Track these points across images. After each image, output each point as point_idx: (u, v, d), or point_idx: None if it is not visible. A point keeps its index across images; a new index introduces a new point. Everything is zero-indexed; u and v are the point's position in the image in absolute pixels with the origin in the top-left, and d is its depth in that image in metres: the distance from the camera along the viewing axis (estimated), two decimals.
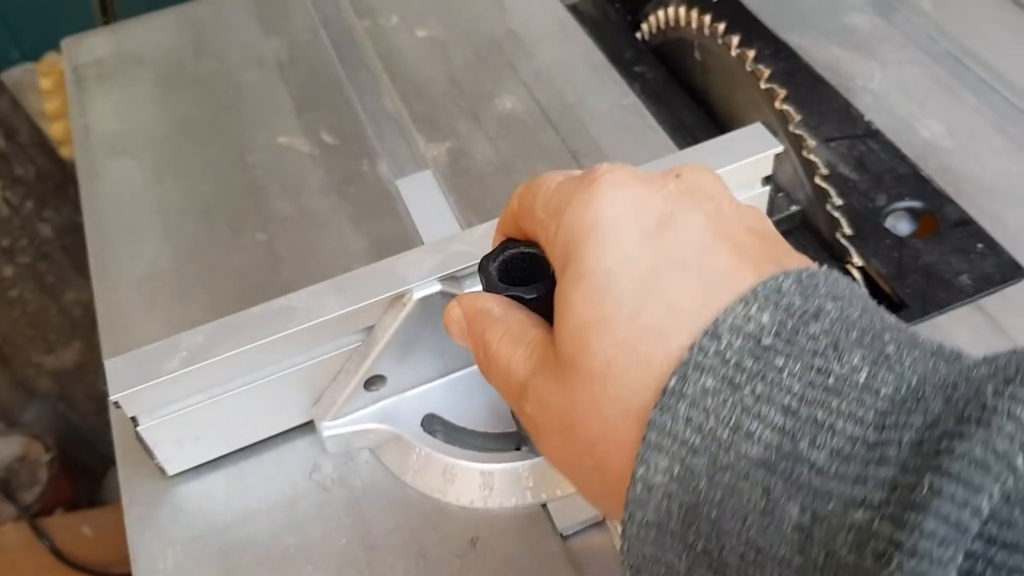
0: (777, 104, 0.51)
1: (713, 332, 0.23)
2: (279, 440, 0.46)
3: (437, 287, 0.41)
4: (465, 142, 0.59)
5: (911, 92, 0.58)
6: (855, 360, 0.22)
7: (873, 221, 0.51)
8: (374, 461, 0.45)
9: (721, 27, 0.55)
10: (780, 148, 0.45)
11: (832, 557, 0.20)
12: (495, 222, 0.34)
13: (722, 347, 0.23)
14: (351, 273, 0.42)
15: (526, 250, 0.32)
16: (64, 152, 1.42)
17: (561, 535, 0.42)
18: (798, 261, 0.26)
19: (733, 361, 0.23)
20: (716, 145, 0.46)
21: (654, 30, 0.63)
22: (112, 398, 0.39)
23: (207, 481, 0.45)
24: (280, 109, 0.62)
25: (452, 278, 0.41)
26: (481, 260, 0.33)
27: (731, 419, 0.22)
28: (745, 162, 0.45)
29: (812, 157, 0.50)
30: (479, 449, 0.44)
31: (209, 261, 0.54)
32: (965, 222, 0.51)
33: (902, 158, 0.54)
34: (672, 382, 0.23)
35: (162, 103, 0.64)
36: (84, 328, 1.35)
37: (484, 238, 0.42)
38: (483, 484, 0.44)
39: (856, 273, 0.50)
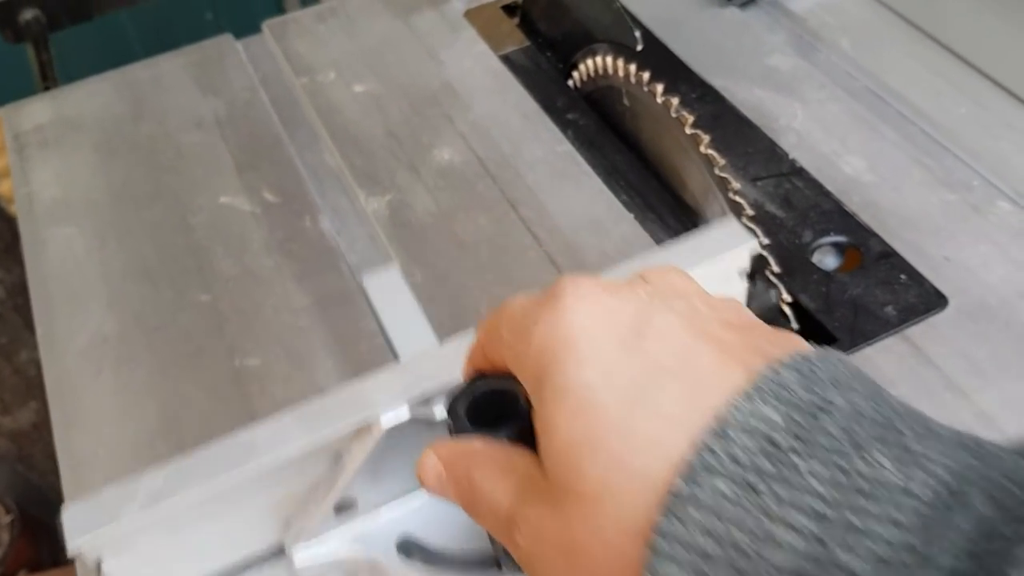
0: (702, 148, 0.53)
1: (720, 432, 0.22)
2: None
3: (407, 416, 0.40)
4: (405, 194, 0.60)
5: (833, 129, 0.61)
6: (880, 458, 0.21)
7: (800, 257, 0.53)
8: None
9: (646, 75, 0.57)
10: (754, 242, 0.45)
11: None
12: (468, 337, 0.33)
13: (732, 448, 0.22)
14: (315, 401, 0.41)
15: (497, 387, 0.30)
16: (13, 211, 1.41)
17: None
18: (783, 346, 0.25)
19: (747, 463, 0.21)
20: (690, 244, 0.46)
21: (585, 78, 0.65)
22: (70, 549, 0.37)
23: None
24: (221, 169, 0.63)
25: (423, 402, 0.40)
26: (450, 403, 0.31)
27: (753, 525, 0.21)
28: (720, 257, 0.45)
29: (737, 198, 0.52)
30: (458, 572, 0.43)
31: (154, 324, 0.54)
32: (888, 254, 0.53)
33: (826, 194, 0.56)
34: (679, 485, 0.22)
35: (103, 168, 0.64)
36: (40, 388, 1.34)
37: (458, 354, 0.37)
38: None
39: (787, 309, 0.51)
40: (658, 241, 0.54)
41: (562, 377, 0.25)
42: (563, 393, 0.25)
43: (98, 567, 0.40)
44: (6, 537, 1.32)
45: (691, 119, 0.53)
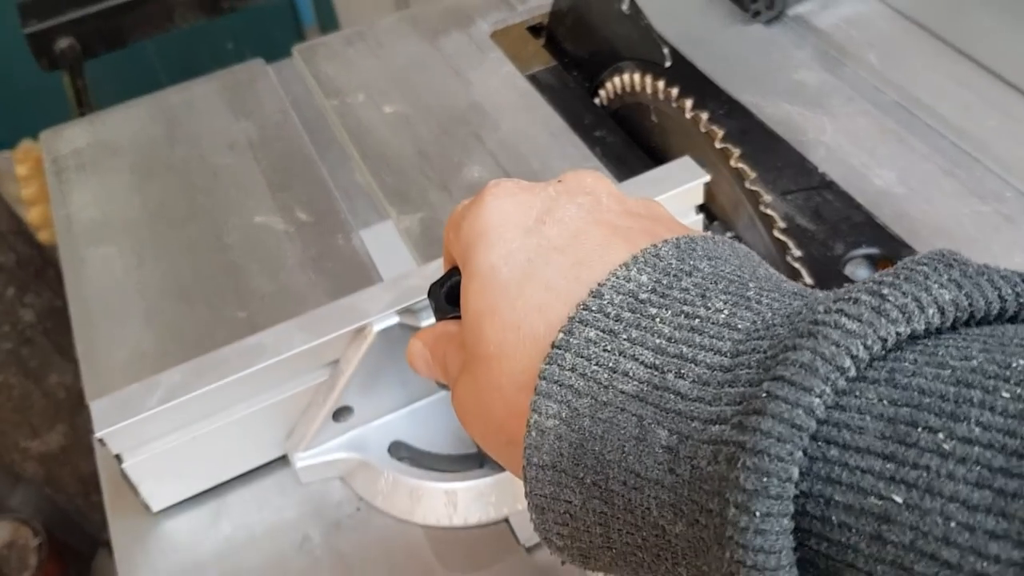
0: (732, 162, 0.53)
1: (597, 292, 0.26)
2: (259, 473, 0.49)
3: (395, 319, 0.44)
4: (436, 212, 0.61)
5: (861, 142, 0.61)
6: (719, 304, 0.25)
7: (833, 269, 0.53)
8: (358, 524, 0.47)
9: (675, 91, 0.57)
10: (707, 177, 0.49)
11: (696, 470, 0.22)
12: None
13: (604, 303, 0.26)
14: (314, 311, 0.45)
15: None
16: (42, 237, 1.43)
17: (524, 547, 0.45)
18: (674, 231, 0.29)
19: (613, 314, 0.25)
20: (646, 179, 0.50)
21: (611, 96, 0.65)
22: (97, 435, 0.42)
23: (192, 516, 0.48)
24: (254, 190, 0.64)
25: (409, 311, 0.45)
26: (430, 287, 0.35)
27: (610, 362, 0.25)
28: (674, 192, 0.49)
29: (768, 211, 0.52)
30: (443, 470, 0.48)
31: (191, 341, 0.55)
32: None
33: (857, 207, 0.56)
34: (559, 337, 0.26)
35: (139, 190, 0.65)
36: (68, 411, 1.35)
37: (437, 271, 0.44)
38: (447, 503, 0.47)
39: None
40: None
41: (475, 260, 0.29)
42: (474, 274, 0.29)
43: (119, 461, 0.44)
44: (34, 560, 1.33)
45: (720, 133, 0.54)
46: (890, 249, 0.54)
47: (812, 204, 0.57)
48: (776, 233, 0.52)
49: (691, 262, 0.26)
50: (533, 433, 0.26)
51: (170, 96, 0.73)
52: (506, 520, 0.46)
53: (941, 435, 0.19)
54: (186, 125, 0.70)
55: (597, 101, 0.67)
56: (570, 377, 0.25)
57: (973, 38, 0.66)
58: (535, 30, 0.75)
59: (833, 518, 0.20)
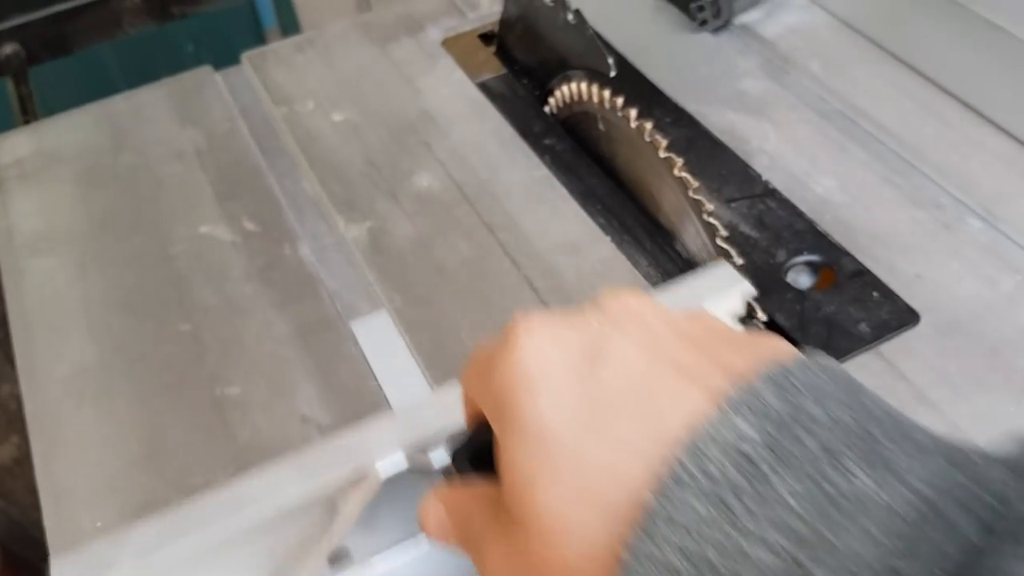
0: (676, 171, 0.53)
1: (692, 447, 0.22)
2: None
3: (404, 465, 0.40)
4: (384, 221, 0.61)
5: (804, 150, 0.62)
6: (859, 473, 0.21)
7: (775, 276, 0.54)
8: None
9: (620, 100, 0.58)
10: (748, 285, 0.46)
11: None
12: (459, 384, 0.33)
13: (705, 464, 0.21)
14: (310, 449, 0.41)
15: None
16: None
17: None
18: (755, 355, 0.24)
19: (720, 478, 0.21)
20: (682, 291, 0.47)
21: (561, 104, 0.66)
22: None
23: None
24: (201, 199, 0.64)
25: (419, 450, 0.40)
26: (453, 453, 0.32)
27: (727, 543, 0.20)
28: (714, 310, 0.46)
29: (711, 220, 0.52)
30: None
31: (135, 355, 0.54)
32: (861, 272, 0.54)
33: (799, 214, 0.57)
34: (651, 501, 0.21)
35: (83, 200, 0.65)
36: (21, 422, 1.33)
37: (453, 399, 0.38)
38: None
39: (762, 328, 0.52)
40: (635, 263, 0.55)
41: (517, 412, 0.25)
42: (518, 428, 0.25)
43: None
44: None
45: (664, 143, 0.54)
46: (830, 256, 0.55)
47: (755, 212, 0.57)
48: (719, 241, 0.52)
49: (794, 402, 0.22)
50: None
51: (116, 103, 0.72)
52: None
53: None
54: (132, 133, 0.69)
55: (547, 109, 0.68)
56: (669, 556, 0.21)
57: (913, 47, 0.67)
58: (486, 38, 0.75)
59: None
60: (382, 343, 0.54)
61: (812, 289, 0.54)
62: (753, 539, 0.20)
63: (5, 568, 1.35)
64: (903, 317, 0.52)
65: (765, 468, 0.21)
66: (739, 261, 0.52)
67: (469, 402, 0.31)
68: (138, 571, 0.38)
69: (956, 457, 0.22)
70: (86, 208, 0.64)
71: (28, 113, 0.78)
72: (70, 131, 0.70)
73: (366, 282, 0.57)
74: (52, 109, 0.79)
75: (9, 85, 0.81)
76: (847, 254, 0.55)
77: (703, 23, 0.71)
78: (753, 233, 0.56)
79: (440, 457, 0.41)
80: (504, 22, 0.71)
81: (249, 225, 0.61)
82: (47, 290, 0.58)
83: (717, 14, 0.70)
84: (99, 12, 0.86)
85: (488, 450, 0.29)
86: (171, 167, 0.66)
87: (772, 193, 0.58)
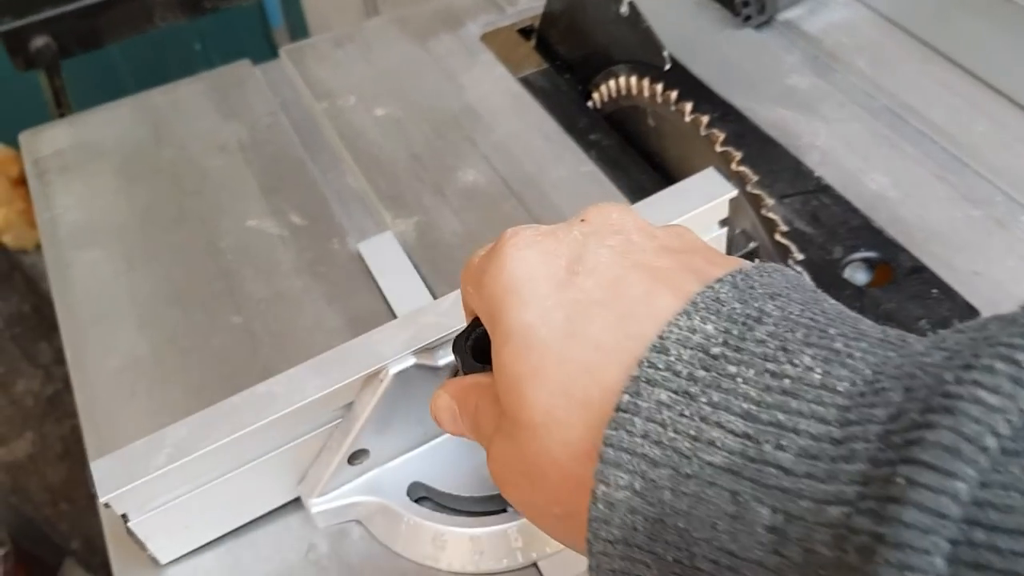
0: (734, 166, 0.53)
1: (660, 347, 0.24)
2: (271, 519, 0.47)
3: (412, 360, 0.42)
4: (431, 215, 0.60)
5: (855, 147, 0.61)
6: (806, 359, 0.23)
7: (832, 272, 0.54)
8: (368, 537, 0.46)
9: (674, 95, 0.57)
10: (734, 192, 0.47)
11: (812, 554, 0.20)
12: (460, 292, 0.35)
13: (671, 360, 0.24)
14: (326, 354, 0.43)
15: None
16: (6, 239, 1.40)
17: None
18: (723, 265, 0.27)
19: (685, 373, 0.23)
20: (671, 194, 0.49)
21: (605, 99, 0.65)
22: (102, 500, 0.39)
23: (201, 565, 0.45)
24: (246, 193, 0.63)
25: (425, 350, 0.43)
26: (454, 341, 0.33)
27: (691, 429, 0.23)
28: (701, 209, 0.47)
29: (771, 215, 0.52)
30: (467, 514, 0.45)
31: (186, 347, 0.54)
32: (919, 269, 0.53)
33: (854, 210, 0.57)
34: (624, 399, 0.24)
35: (125, 192, 0.64)
36: (36, 419, 1.33)
37: (453, 307, 0.43)
38: (473, 549, 0.44)
39: None
40: None
41: (506, 320, 0.27)
42: (508, 334, 0.27)
43: (125, 520, 0.41)
44: (0, 570, 1.30)
45: (721, 136, 0.54)
46: (887, 253, 0.54)
47: (809, 208, 0.57)
48: (778, 237, 0.52)
49: (756, 304, 0.24)
50: (600, 505, 0.24)
51: (154, 97, 0.72)
52: (534, 565, 0.44)
53: None
54: (172, 127, 0.69)
55: (590, 104, 0.67)
56: (642, 445, 0.23)
57: (959, 44, 0.66)
58: (525, 32, 0.75)
59: None
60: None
61: (870, 286, 0.53)
62: (713, 424, 0.23)
63: (17, 565, 1.35)
64: (963, 314, 0.51)
65: (723, 361, 0.23)
66: (799, 256, 0.52)
67: (467, 308, 0.34)
68: (173, 472, 0.40)
69: (897, 343, 0.23)
70: (129, 201, 0.63)
71: (63, 106, 0.77)
72: (109, 124, 0.70)
73: (413, 272, 0.57)
74: (81, 105, 0.78)
75: (42, 78, 0.81)
76: (904, 250, 0.54)
77: (747, 19, 0.71)
78: (808, 229, 0.56)
79: (443, 355, 0.43)
80: (547, 15, 0.71)
81: (296, 219, 0.61)
82: (94, 282, 0.58)
83: (761, 10, 0.70)
84: (131, 6, 0.86)
85: (488, 343, 0.31)
86: (214, 160, 0.66)
87: (825, 189, 0.58)
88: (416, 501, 0.46)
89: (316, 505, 0.46)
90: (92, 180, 0.65)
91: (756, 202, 0.52)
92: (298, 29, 1.89)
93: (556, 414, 0.25)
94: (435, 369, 0.43)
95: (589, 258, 0.27)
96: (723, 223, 0.49)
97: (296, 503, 0.47)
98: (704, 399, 0.23)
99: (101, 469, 0.40)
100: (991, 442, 0.19)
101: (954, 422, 0.19)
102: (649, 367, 0.24)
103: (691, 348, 0.24)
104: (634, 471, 0.23)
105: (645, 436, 0.23)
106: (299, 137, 0.67)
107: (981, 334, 0.21)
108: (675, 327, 0.24)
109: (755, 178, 0.52)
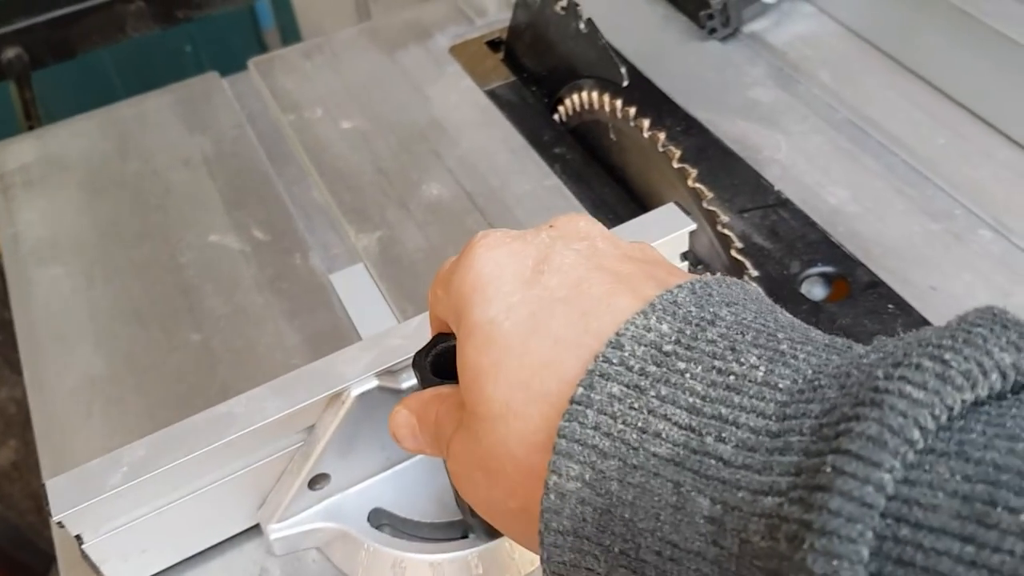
0: (690, 182, 0.53)
1: (616, 343, 0.25)
2: (225, 545, 0.46)
3: (374, 383, 0.42)
4: (395, 230, 0.60)
5: (816, 160, 0.62)
6: (752, 359, 0.23)
7: (789, 288, 0.54)
8: (322, 560, 0.46)
9: (632, 110, 0.57)
10: (693, 226, 0.47)
11: (747, 544, 0.21)
12: (427, 314, 0.36)
13: (625, 356, 0.24)
14: (288, 375, 0.43)
15: (455, 343, 0.33)
16: None
17: None
18: (682, 277, 0.28)
19: (637, 368, 0.24)
20: (632, 227, 0.49)
21: (571, 112, 0.65)
22: (55, 518, 0.39)
23: None
24: (209, 207, 0.63)
25: (389, 372, 0.42)
26: (414, 356, 0.34)
27: (639, 421, 0.23)
28: (661, 241, 0.47)
29: (726, 231, 0.52)
30: (427, 540, 0.45)
31: (144, 365, 0.54)
32: (875, 284, 0.54)
33: (812, 225, 0.57)
34: (579, 392, 0.24)
35: (89, 207, 0.64)
36: (19, 426, 1.33)
37: (418, 330, 0.43)
38: (433, 575, 0.44)
39: None
40: None
41: (472, 316, 0.28)
42: (472, 330, 0.28)
43: (80, 542, 0.41)
44: None
45: (678, 153, 0.54)
46: (844, 268, 0.55)
47: (768, 222, 0.57)
48: (733, 253, 0.52)
49: (711, 309, 0.25)
50: (552, 496, 0.24)
51: (122, 109, 0.72)
52: None
53: (1023, 517, 0.18)
54: (138, 140, 0.69)
55: (556, 117, 0.67)
56: (593, 436, 0.24)
57: (922, 57, 0.67)
58: (494, 45, 0.75)
59: None
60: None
61: (826, 301, 0.54)
62: (659, 416, 0.23)
63: (3, 572, 1.35)
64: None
65: (674, 359, 0.24)
66: (755, 273, 0.52)
67: (434, 319, 0.34)
68: (129, 491, 0.40)
69: (841, 349, 0.24)
70: (93, 216, 0.64)
71: (31, 118, 0.77)
72: (75, 137, 0.70)
73: (378, 294, 0.57)
74: (51, 113, 0.78)
75: (12, 90, 0.81)
76: (861, 265, 0.55)
77: (712, 31, 0.71)
78: (766, 244, 0.56)
79: (406, 378, 0.43)
80: (513, 30, 0.71)
81: (259, 234, 0.61)
82: (54, 299, 0.58)
83: (726, 22, 0.70)
84: (103, 16, 0.86)
85: (449, 360, 0.31)
86: (179, 174, 0.66)
87: (785, 203, 0.58)
88: (377, 528, 0.45)
89: (275, 531, 0.45)
90: (56, 195, 0.65)
91: (711, 218, 0.53)
92: (289, 32, 1.89)
93: (514, 407, 0.26)
94: (398, 392, 0.42)
95: (555, 259, 0.28)
96: (684, 256, 0.49)
97: (251, 532, 0.47)
98: (653, 393, 0.24)
99: (55, 488, 0.40)
100: (916, 435, 0.20)
101: (880, 415, 0.20)
102: (604, 362, 0.24)
103: (645, 345, 0.24)
104: (585, 462, 0.24)
105: (596, 428, 0.24)
106: (265, 150, 0.67)
107: (916, 338, 0.22)
108: (632, 325, 0.25)
109: (710, 194, 0.52)
